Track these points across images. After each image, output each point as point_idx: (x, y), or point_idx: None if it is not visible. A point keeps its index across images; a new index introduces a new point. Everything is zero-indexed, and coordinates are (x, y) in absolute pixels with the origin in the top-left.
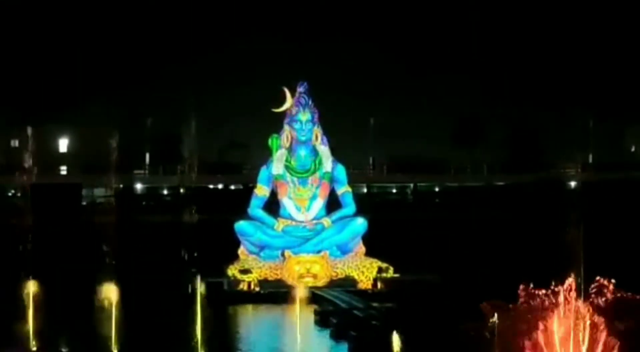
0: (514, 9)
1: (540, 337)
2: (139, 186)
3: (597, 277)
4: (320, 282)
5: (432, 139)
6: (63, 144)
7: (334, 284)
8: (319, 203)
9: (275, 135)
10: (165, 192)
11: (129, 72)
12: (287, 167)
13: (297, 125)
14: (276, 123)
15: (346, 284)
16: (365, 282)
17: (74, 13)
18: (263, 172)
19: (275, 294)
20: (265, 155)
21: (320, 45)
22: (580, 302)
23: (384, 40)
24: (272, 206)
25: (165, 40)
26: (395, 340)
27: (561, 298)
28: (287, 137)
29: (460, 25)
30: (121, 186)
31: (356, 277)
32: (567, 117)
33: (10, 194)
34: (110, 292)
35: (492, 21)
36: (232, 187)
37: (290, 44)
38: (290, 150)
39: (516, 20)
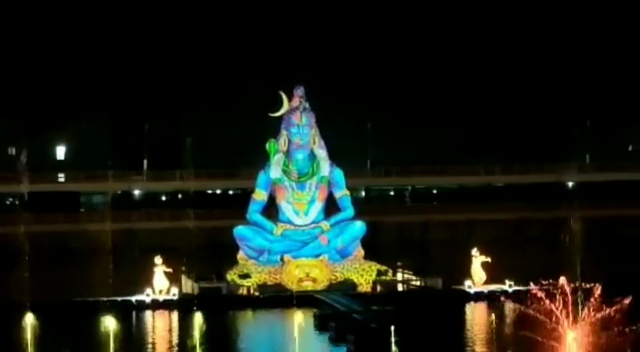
0: (513, 8)
1: None
2: (136, 192)
3: None
4: (320, 286)
5: (430, 140)
6: (60, 152)
7: (333, 287)
8: (318, 207)
9: (272, 139)
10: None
11: (125, 78)
12: (285, 172)
13: (294, 129)
14: (274, 127)
15: (345, 287)
16: (364, 285)
17: (69, 18)
18: (261, 177)
19: (275, 298)
20: (263, 159)
21: (317, 48)
22: None
23: (380, 42)
24: (271, 210)
25: (161, 44)
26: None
27: None
28: (285, 142)
29: (458, 23)
30: (119, 191)
31: (355, 280)
32: (566, 117)
33: (8, 202)
34: None
35: (490, 19)
36: (231, 192)
37: (286, 46)
38: (287, 154)
39: (514, 19)
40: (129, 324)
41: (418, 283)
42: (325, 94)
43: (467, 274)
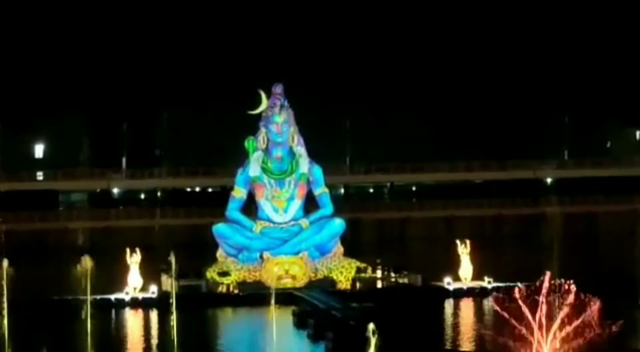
0: (490, 8)
1: None
2: (115, 190)
3: None
4: (299, 283)
5: (409, 138)
6: (39, 150)
7: (313, 284)
8: (297, 204)
9: (251, 137)
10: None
11: (104, 76)
12: (263, 169)
13: (273, 127)
14: (252, 125)
15: (325, 284)
16: (344, 282)
17: (47, 18)
18: (240, 175)
19: (254, 295)
20: (242, 157)
21: (295, 47)
22: None
23: (359, 40)
24: (250, 208)
25: (139, 43)
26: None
27: None
28: (264, 139)
29: (435, 22)
30: (98, 190)
31: (335, 277)
32: (543, 114)
33: None
34: None
35: (467, 18)
36: (210, 189)
37: (265, 45)
38: (266, 152)
39: (491, 17)
40: (107, 323)
41: (398, 280)
42: (304, 91)
43: (450, 270)
